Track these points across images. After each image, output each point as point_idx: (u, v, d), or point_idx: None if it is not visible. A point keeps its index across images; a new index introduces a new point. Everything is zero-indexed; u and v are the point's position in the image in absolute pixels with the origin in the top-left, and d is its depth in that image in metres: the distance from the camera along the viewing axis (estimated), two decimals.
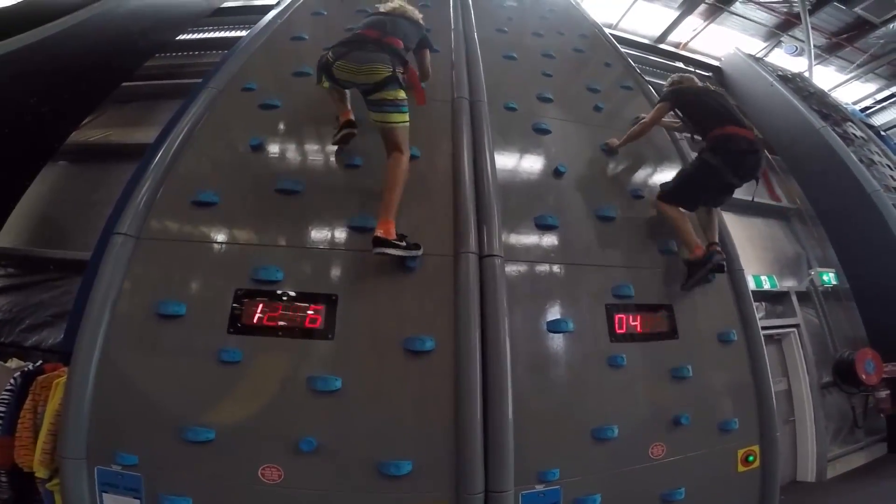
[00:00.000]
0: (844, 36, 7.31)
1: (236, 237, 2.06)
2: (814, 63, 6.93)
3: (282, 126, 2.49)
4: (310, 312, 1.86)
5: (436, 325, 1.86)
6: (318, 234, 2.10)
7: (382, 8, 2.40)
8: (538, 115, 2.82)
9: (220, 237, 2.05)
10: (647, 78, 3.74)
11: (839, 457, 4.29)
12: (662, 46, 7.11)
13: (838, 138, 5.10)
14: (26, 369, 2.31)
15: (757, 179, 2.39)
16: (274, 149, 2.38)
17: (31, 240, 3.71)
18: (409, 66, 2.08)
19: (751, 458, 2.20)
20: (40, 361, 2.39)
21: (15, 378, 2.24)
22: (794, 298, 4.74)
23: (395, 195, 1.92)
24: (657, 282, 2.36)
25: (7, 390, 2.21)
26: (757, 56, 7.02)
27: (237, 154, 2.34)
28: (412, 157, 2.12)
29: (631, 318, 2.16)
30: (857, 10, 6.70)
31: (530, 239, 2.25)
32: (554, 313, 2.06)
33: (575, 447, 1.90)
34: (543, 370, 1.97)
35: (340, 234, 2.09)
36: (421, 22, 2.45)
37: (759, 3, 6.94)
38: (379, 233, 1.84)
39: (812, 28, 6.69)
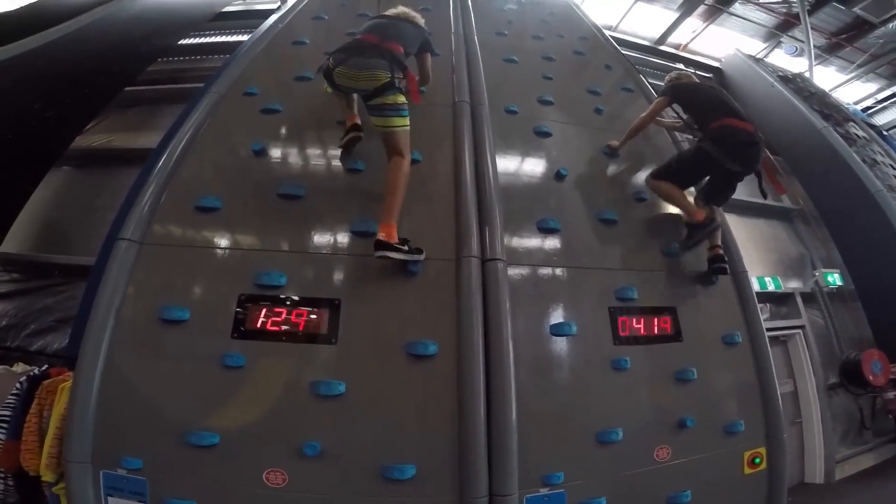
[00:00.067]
0: (844, 36, 7.31)
1: (239, 242, 2.07)
2: (814, 63, 6.92)
3: (283, 131, 2.50)
4: (313, 317, 1.87)
5: (439, 330, 1.86)
6: (321, 239, 2.10)
7: (385, 12, 2.42)
8: (539, 119, 2.83)
9: (223, 242, 2.06)
10: (648, 80, 3.74)
11: (847, 458, 4.26)
12: (662, 48, 7.12)
13: (840, 138, 5.08)
14: (32, 374, 2.31)
15: (758, 172, 2.41)
16: (276, 154, 2.39)
17: (35, 245, 3.74)
18: (408, 71, 2.09)
19: (757, 461, 2.19)
20: (46, 366, 2.39)
21: (21, 382, 2.25)
22: (798, 300, 4.72)
23: (396, 199, 1.92)
24: (660, 284, 2.36)
25: (13, 394, 2.22)
26: (757, 57, 7.01)
27: (239, 159, 2.35)
28: (414, 161, 2.13)
29: (634, 320, 2.16)
30: (856, 9, 6.69)
31: (532, 242, 2.25)
32: (557, 317, 2.06)
33: (579, 450, 1.89)
34: (547, 373, 1.97)
35: (343, 239, 2.09)
36: (423, 26, 2.46)
37: (758, 4, 6.95)
38: (381, 236, 1.84)
39: (811, 28, 6.68)
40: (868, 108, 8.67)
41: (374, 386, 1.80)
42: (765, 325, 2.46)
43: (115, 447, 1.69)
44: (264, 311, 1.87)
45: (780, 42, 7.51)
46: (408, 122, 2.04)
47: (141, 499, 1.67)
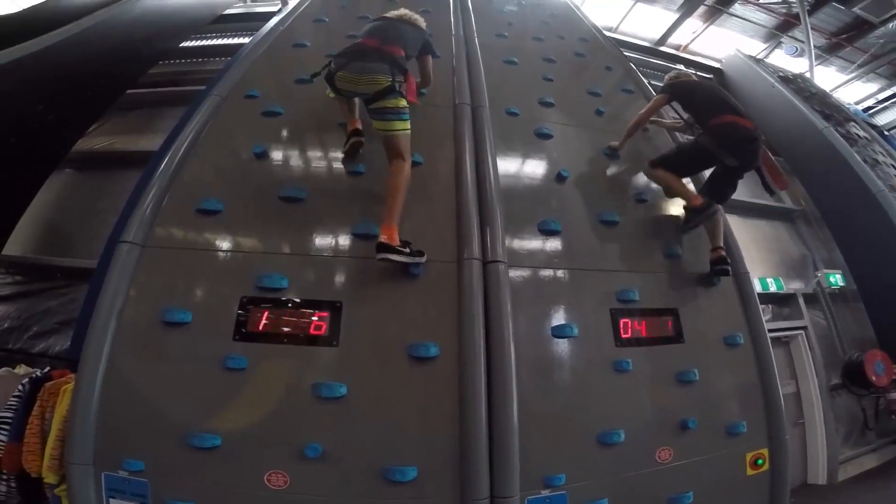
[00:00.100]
0: (844, 36, 7.30)
1: (241, 245, 2.07)
2: (814, 63, 6.91)
3: (284, 133, 2.51)
4: (314, 319, 1.87)
5: (440, 332, 1.86)
6: (322, 242, 2.11)
7: (385, 13, 2.42)
8: (540, 120, 2.83)
9: (225, 245, 2.07)
10: (649, 81, 3.74)
11: (851, 459, 4.25)
12: (663, 49, 7.12)
13: (841, 139, 5.08)
14: (34, 376, 2.32)
15: (759, 170, 2.42)
16: (277, 156, 2.40)
17: (38, 248, 3.75)
18: (409, 74, 2.09)
19: (760, 462, 2.18)
20: (48, 368, 2.40)
21: (23, 384, 2.25)
22: (800, 300, 4.71)
23: (397, 202, 1.93)
24: (662, 286, 2.35)
25: (15, 396, 2.23)
26: (757, 57, 7.02)
27: (241, 162, 2.36)
28: (415, 164, 2.13)
29: (636, 322, 2.16)
30: (856, 9, 6.69)
31: (534, 244, 2.25)
32: (558, 318, 2.06)
33: (581, 452, 1.89)
34: (548, 375, 1.97)
35: (344, 242, 2.10)
36: (423, 27, 2.46)
37: (757, 5, 6.95)
38: (382, 239, 1.85)
39: (811, 28, 6.68)
40: (869, 108, 8.66)
41: (375, 388, 1.80)
42: (767, 325, 2.46)
43: (117, 449, 1.70)
44: (266, 313, 1.87)
45: (780, 42, 7.51)
46: (409, 126, 2.05)
47: (142, 500, 1.67)
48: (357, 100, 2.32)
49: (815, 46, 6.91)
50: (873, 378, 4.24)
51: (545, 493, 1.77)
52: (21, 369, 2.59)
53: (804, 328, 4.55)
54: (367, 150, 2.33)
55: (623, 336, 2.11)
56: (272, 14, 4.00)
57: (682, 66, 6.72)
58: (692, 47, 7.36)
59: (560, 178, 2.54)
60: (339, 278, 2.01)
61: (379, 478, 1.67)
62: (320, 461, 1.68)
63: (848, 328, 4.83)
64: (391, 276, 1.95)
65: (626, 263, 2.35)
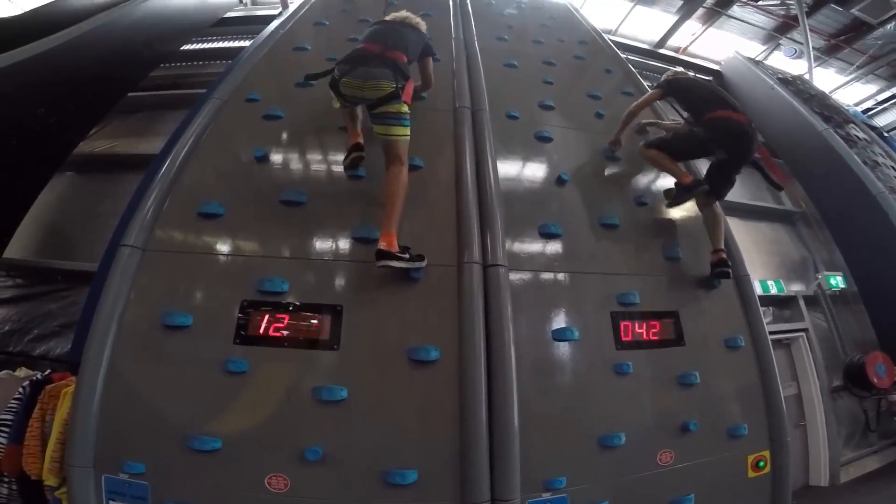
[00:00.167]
0: (843, 37, 7.31)
1: (241, 248, 2.08)
2: (813, 65, 6.93)
3: (285, 137, 2.52)
4: (315, 323, 1.88)
5: (440, 335, 1.86)
6: (323, 245, 2.11)
7: (385, 17, 2.43)
8: (540, 123, 2.84)
9: (226, 249, 2.07)
10: (648, 83, 3.75)
11: (852, 461, 4.23)
12: (662, 51, 7.14)
13: (841, 140, 5.08)
14: (35, 378, 2.32)
15: (760, 167, 2.47)
16: (278, 160, 2.41)
17: (39, 250, 3.75)
18: (409, 80, 2.10)
19: (761, 464, 2.18)
20: (48, 371, 2.40)
21: (24, 387, 2.25)
22: (801, 303, 4.70)
23: (396, 207, 1.93)
24: (662, 288, 2.36)
25: (15, 399, 2.23)
26: (756, 59, 7.03)
27: (241, 165, 2.37)
28: (415, 168, 2.14)
29: (636, 325, 2.16)
30: (854, 11, 6.70)
31: (534, 247, 2.26)
32: (559, 322, 2.06)
33: (582, 455, 1.89)
34: (549, 378, 1.97)
35: (345, 245, 2.10)
36: (423, 30, 2.47)
37: (756, 6, 6.96)
38: (382, 246, 1.85)
39: (810, 30, 6.69)
40: (868, 109, 8.67)
41: (375, 391, 1.80)
42: (768, 328, 2.46)
43: (118, 452, 1.70)
44: (266, 316, 1.87)
45: (779, 44, 7.52)
46: (408, 133, 2.06)
47: (142, 503, 1.67)
48: (360, 111, 2.32)
49: (813, 48, 6.92)
50: (875, 380, 4.23)
51: (546, 496, 1.77)
52: (22, 372, 2.59)
53: (805, 330, 4.54)
54: (368, 155, 2.33)
55: (623, 339, 2.11)
56: (273, 17, 4.03)
57: (681, 69, 6.75)
58: (691, 49, 7.38)
59: (560, 182, 2.54)
60: (340, 282, 2.02)
61: (379, 481, 1.67)
62: (321, 464, 1.68)
63: (849, 330, 4.82)
64: (392, 280, 1.95)
65: (626, 266, 2.36)
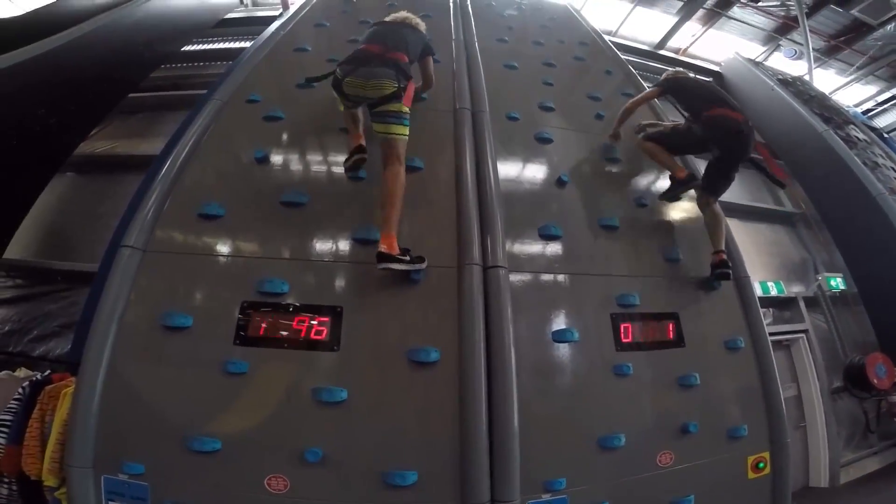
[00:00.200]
0: (843, 38, 7.32)
1: (242, 249, 2.08)
2: (813, 66, 6.93)
3: (285, 138, 2.52)
4: (315, 324, 1.87)
5: (440, 337, 1.86)
6: (323, 247, 2.11)
7: (385, 18, 2.43)
8: (540, 125, 2.84)
9: (226, 250, 2.07)
10: (648, 84, 3.76)
11: (852, 462, 4.23)
12: (662, 52, 7.14)
13: (841, 141, 5.08)
14: (34, 379, 2.32)
15: (761, 166, 2.52)
16: (278, 161, 2.41)
17: (39, 251, 3.75)
18: (411, 80, 2.11)
19: (761, 465, 2.18)
20: (48, 371, 2.40)
21: (23, 387, 2.26)
22: (801, 304, 4.70)
23: (395, 208, 1.93)
24: (662, 290, 2.36)
25: (15, 399, 2.23)
26: (757, 60, 7.04)
27: (242, 166, 2.37)
28: (415, 169, 2.14)
29: (636, 326, 2.16)
30: (854, 12, 6.70)
31: (534, 249, 2.26)
32: (559, 323, 2.06)
33: (582, 456, 1.89)
34: (549, 380, 1.97)
35: (345, 246, 2.10)
36: (423, 30, 2.48)
37: (756, 8, 6.97)
38: (382, 248, 1.85)
39: (810, 31, 6.69)
40: (868, 110, 8.67)
41: (375, 392, 1.80)
42: (768, 329, 2.46)
43: (117, 452, 1.70)
44: (266, 318, 1.88)
45: (779, 45, 7.52)
46: (407, 132, 2.06)
47: (142, 503, 1.67)
48: (361, 114, 2.32)
49: (813, 49, 6.93)
50: (875, 381, 4.23)
51: (546, 497, 1.77)
52: (21, 372, 2.59)
53: (805, 331, 4.54)
54: (369, 156, 2.33)
55: (623, 340, 2.11)
56: (273, 18, 4.04)
57: (681, 68, 6.76)
58: (691, 51, 7.38)
59: (560, 183, 2.54)
60: (340, 283, 2.02)
61: (379, 482, 1.67)
62: (321, 465, 1.68)
63: (849, 331, 4.82)
64: (392, 281, 1.95)
65: (626, 268, 2.36)
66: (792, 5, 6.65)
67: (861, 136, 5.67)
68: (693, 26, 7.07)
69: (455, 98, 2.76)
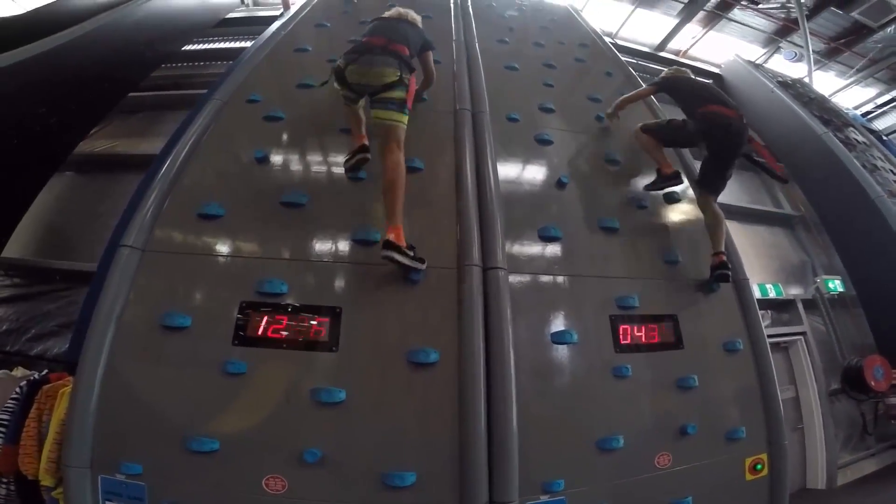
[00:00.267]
0: (843, 41, 7.33)
1: (241, 250, 2.07)
2: (813, 68, 6.94)
3: (286, 138, 2.52)
4: (314, 324, 1.87)
5: (440, 338, 1.86)
6: (323, 247, 2.11)
7: (382, 15, 2.44)
8: (540, 126, 2.84)
9: (225, 250, 2.07)
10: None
11: (850, 464, 4.24)
12: (663, 54, 7.15)
13: (840, 144, 5.09)
14: (32, 378, 2.32)
15: (748, 156, 2.56)
16: (278, 161, 2.41)
17: (38, 250, 3.75)
18: (412, 76, 2.12)
19: (759, 467, 2.19)
20: (46, 371, 2.40)
21: (21, 387, 2.25)
22: (800, 306, 4.71)
23: (398, 197, 1.94)
24: (661, 292, 2.36)
25: (12, 399, 2.22)
26: (756, 62, 7.05)
27: (242, 166, 2.37)
28: (416, 170, 2.14)
29: (635, 328, 2.16)
30: (854, 14, 6.72)
31: (533, 250, 2.26)
32: (558, 325, 2.06)
33: (580, 457, 1.89)
34: (548, 381, 1.97)
35: (344, 247, 2.10)
36: (420, 25, 2.49)
37: (757, 10, 6.98)
38: (390, 237, 1.85)
39: (810, 33, 6.70)
40: (867, 112, 8.68)
41: (374, 393, 1.80)
42: (766, 331, 2.47)
43: (115, 452, 1.69)
44: (266, 318, 1.87)
45: (779, 47, 7.54)
46: (406, 121, 2.08)
47: None
48: (363, 114, 2.32)
49: (813, 51, 6.94)
50: (872, 383, 4.24)
51: (544, 498, 1.77)
52: (19, 372, 2.59)
53: (803, 334, 4.55)
54: (371, 155, 2.33)
55: (622, 342, 2.12)
56: (274, 18, 4.04)
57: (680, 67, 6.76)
58: (692, 52, 7.39)
59: (560, 185, 2.55)
60: (339, 284, 2.02)
61: (378, 483, 1.67)
62: (319, 466, 1.68)
63: (847, 333, 4.82)
64: (391, 282, 1.96)
65: (625, 270, 2.36)
66: (792, 8, 6.67)
67: (860, 138, 5.68)
68: (693, 28, 7.08)
69: (455, 99, 2.76)
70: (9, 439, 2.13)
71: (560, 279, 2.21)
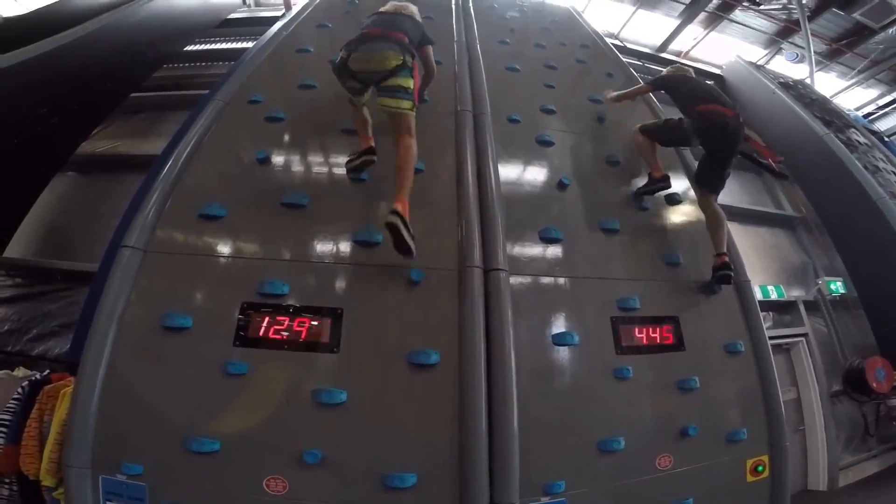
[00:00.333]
0: (844, 42, 7.32)
1: (242, 251, 2.07)
2: (815, 70, 6.94)
3: (287, 139, 2.52)
4: (315, 325, 1.87)
5: (440, 339, 1.86)
6: (324, 248, 2.11)
7: (379, 9, 2.45)
8: (541, 127, 2.84)
9: (227, 251, 2.07)
10: None
11: (851, 465, 4.24)
12: (664, 55, 7.15)
13: (842, 145, 5.09)
14: (33, 378, 2.33)
15: (744, 153, 2.57)
16: (280, 162, 2.41)
17: (39, 250, 3.76)
18: (416, 68, 2.11)
19: (760, 468, 2.18)
20: (47, 371, 2.41)
21: (22, 387, 2.26)
22: (801, 308, 4.71)
23: (408, 179, 1.96)
24: (662, 293, 2.35)
25: (14, 399, 2.23)
26: (758, 63, 7.05)
27: (243, 167, 2.37)
28: (416, 171, 2.13)
29: (636, 330, 2.16)
30: (856, 15, 6.71)
31: (534, 252, 2.26)
32: (559, 326, 2.06)
33: (581, 459, 1.89)
34: (549, 382, 1.97)
35: (345, 248, 2.10)
36: (418, 19, 2.48)
37: (758, 11, 6.97)
38: (398, 207, 1.86)
39: (812, 34, 6.70)
40: (869, 114, 8.67)
41: (375, 394, 1.80)
42: (767, 333, 2.46)
43: (116, 453, 1.69)
44: (267, 319, 1.87)
45: (780, 48, 7.53)
46: (415, 110, 2.08)
47: None
48: (369, 115, 2.32)
49: (815, 52, 6.93)
50: (874, 384, 4.23)
51: (545, 499, 1.77)
52: (20, 372, 2.59)
53: (805, 335, 4.55)
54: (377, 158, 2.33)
55: (623, 344, 2.11)
56: (276, 19, 4.04)
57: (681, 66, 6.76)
58: (693, 53, 7.39)
59: (561, 186, 2.54)
60: (340, 285, 2.02)
61: (378, 484, 1.67)
62: (320, 467, 1.68)
63: (849, 335, 4.82)
64: (392, 283, 1.96)
65: (626, 271, 2.36)
66: (794, 9, 6.66)
67: (862, 139, 5.67)
68: (695, 29, 7.08)
69: (456, 100, 2.76)
70: (10, 439, 2.13)
71: (561, 280, 2.21)
